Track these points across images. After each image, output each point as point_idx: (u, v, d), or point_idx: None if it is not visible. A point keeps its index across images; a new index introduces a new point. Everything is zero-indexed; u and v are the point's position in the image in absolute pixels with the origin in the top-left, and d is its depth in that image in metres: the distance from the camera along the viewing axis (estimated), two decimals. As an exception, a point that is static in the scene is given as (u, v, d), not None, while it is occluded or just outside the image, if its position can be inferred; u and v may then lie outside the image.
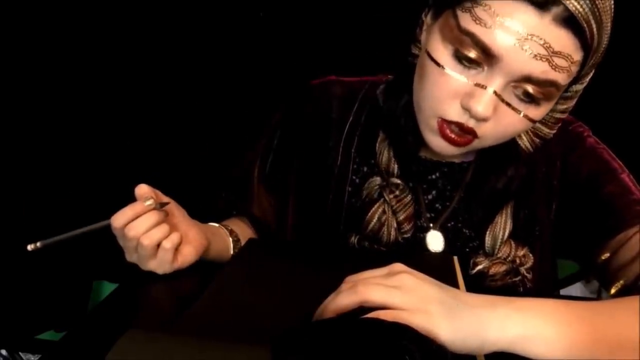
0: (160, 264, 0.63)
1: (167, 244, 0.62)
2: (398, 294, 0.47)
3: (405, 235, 0.71)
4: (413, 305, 0.46)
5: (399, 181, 0.71)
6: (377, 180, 0.72)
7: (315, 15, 1.21)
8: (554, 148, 0.71)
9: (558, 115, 0.65)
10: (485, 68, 0.55)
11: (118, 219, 0.62)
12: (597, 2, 0.52)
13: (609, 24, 0.55)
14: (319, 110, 0.77)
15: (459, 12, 0.55)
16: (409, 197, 0.71)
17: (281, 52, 1.23)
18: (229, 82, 1.25)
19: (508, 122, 0.58)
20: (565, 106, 0.64)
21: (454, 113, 0.58)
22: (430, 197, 0.73)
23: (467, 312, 0.47)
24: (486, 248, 0.70)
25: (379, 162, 0.72)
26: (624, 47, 1.12)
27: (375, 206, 0.71)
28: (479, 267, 0.69)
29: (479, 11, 0.54)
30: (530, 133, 0.67)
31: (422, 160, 0.72)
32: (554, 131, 0.67)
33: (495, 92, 0.55)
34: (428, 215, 0.73)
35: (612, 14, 0.56)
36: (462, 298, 0.49)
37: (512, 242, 0.70)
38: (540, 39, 0.52)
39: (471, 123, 0.58)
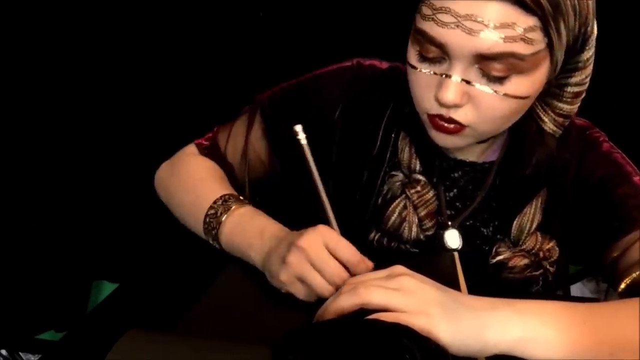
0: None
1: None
2: (398, 296, 0.47)
3: (428, 233, 0.71)
4: (413, 307, 0.46)
5: (421, 177, 0.71)
6: (400, 176, 0.73)
7: (315, 15, 1.21)
8: (569, 152, 0.70)
9: (575, 89, 0.64)
10: (447, 59, 0.57)
11: (344, 250, 0.56)
12: None
13: None
14: (368, 90, 0.75)
15: (417, 16, 0.59)
16: (431, 193, 0.71)
17: (281, 52, 1.23)
18: (228, 82, 1.25)
19: (487, 103, 0.58)
20: (578, 78, 0.63)
21: (432, 107, 0.60)
22: (451, 194, 0.73)
23: (468, 314, 0.47)
24: (512, 238, 0.69)
25: (401, 159, 0.72)
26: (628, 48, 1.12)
27: (396, 202, 0.71)
28: (500, 257, 0.69)
29: (424, 9, 0.57)
30: (550, 113, 0.66)
31: (446, 157, 0.73)
32: (575, 107, 0.66)
33: (461, 79, 0.57)
34: (448, 212, 0.73)
35: None
36: (462, 300, 0.49)
37: (539, 235, 0.69)
38: (474, 16, 0.53)
39: (450, 113, 0.59)
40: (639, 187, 0.67)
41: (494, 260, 0.69)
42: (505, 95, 0.57)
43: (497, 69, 0.55)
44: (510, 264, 0.68)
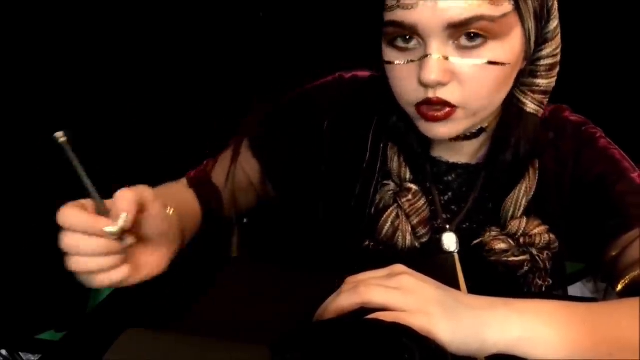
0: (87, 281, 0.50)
1: (105, 281, 0.49)
2: (398, 295, 0.47)
3: (422, 240, 0.71)
4: (413, 306, 0.46)
5: (412, 185, 0.71)
6: (391, 186, 0.72)
7: (315, 15, 1.21)
8: (566, 148, 0.70)
9: (549, 61, 0.64)
10: (422, 42, 0.57)
11: (64, 217, 0.51)
12: None
13: None
14: (350, 102, 0.76)
15: (384, 13, 0.59)
16: (422, 201, 0.70)
17: (281, 52, 1.23)
18: (228, 82, 1.25)
19: (471, 75, 0.58)
20: (549, 49, 0.63)
21: (417, 95, 0.60)
22: (446, 198, 0.73)
23: (467, 313, 0.47)
24: (501, 221, 0.70)
25: (391, 168, 0.72)
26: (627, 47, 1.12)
27: (389, 211, 0.71)
28: (478, 239, 0.69)
29: (388, 1, 0.58)
30: (529, 93, 0.66)
31: (437, 161, 0.72)
32: (552, 81, 0.66)
33: (440, 55, 0.56)
34: (444, 216, 0.73)
35: None
36: (462, 299, 0.49)
37: (525, 220, 0.69)
38: None
39: (437, 93, 0.59)
40: (637, 184, 0.66)
41: (474, 243, 0.69)
42: (487, 63, 0.57)
43: (471, 37, 0.56)
44: (488, 247, 0.68)
